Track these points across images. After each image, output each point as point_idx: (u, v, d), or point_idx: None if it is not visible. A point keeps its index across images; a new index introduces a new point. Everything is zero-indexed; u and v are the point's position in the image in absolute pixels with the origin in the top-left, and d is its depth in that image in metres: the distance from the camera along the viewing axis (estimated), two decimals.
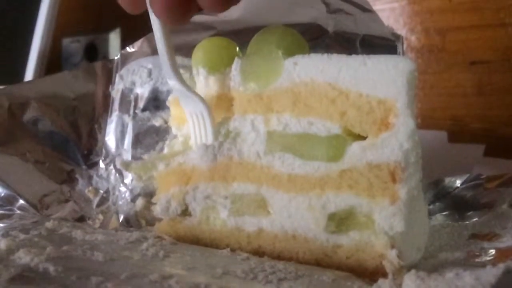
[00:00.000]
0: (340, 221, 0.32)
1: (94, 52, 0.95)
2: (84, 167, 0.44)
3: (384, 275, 0.30)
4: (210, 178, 0.36)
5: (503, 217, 0.38)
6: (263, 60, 0.35)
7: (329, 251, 0.32)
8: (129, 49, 0.47)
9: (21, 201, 0.41)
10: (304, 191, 0.33)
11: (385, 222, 0.31)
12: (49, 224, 0.35)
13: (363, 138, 0.32)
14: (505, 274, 0.23)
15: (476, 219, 0.40)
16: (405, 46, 0.58)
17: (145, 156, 0.42)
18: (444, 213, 0.43)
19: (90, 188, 0.43)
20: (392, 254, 0.30)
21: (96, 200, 0.43)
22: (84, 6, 0.95)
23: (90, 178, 0.44)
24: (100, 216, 0.42)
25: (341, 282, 0.30)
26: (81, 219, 0.41)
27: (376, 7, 0.70)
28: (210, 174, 0.36)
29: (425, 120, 0.66)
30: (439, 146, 0.60)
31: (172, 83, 0.36)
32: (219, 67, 0.37)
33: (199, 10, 0.32)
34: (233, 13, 0.42)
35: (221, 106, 0.37)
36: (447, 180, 0.45)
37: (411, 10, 0.68)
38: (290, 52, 0.34)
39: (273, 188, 0.34)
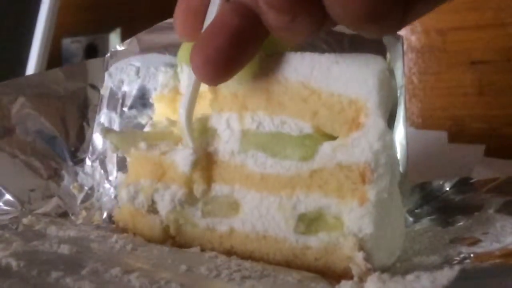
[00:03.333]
0: (310, 222, 0.32)
1: (94, 52, 0.95)
2: (70, 163, 0.45)
3: (353, 278, 0.30)
4: (184, 181, 0.35)
5: (487, 222, 0.37)
6: None
7: (298, 253, 0.32)
8: (118, 47, 0.47)
9: (7, 196, 0.42)
10: (275, 191, 0.33)
11: (354, 224, 0.30)
12: (25, 220, 0.36)
13: (335, 138, 0.31)
14: (459, 276, 0.22)
15: (461, 223, 0.39)
16: (405, 46, 0.57)
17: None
18: (431, 217, 0.42)
19: (75, 184, 0.43)
20: (359, 256, 0.29)
21: (80, 196, 0.43)
22: (84, 6, 0.96)
23: (76, 174, 0.44)
24: (84, 212, 0.42)
25: (306, 283, 0.29)
26: (65, 214, 0.42)
27: None
28: (186, 177, 0.35)
29: (425, 120, 0.66)
30: (440, 146, 0.59)
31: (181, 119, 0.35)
32: None
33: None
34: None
35: (202, 104, 0.37)
36: (436, 183, 0.44)
37: None
38: (265, 50, 0.34)
39: (246, 187, 0.34)
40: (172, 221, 0.36)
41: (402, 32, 0.65)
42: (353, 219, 0.30)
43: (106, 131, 0.37)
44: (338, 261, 0.31)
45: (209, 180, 0.35)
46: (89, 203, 0.43)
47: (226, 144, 0.35)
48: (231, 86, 0.35)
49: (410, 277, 0.26)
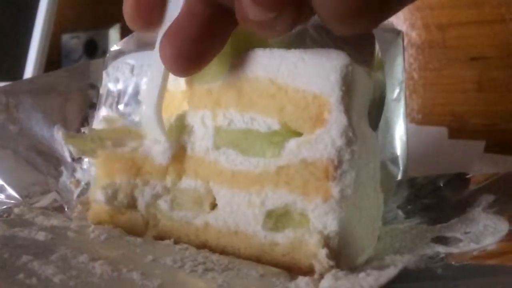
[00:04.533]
0: (278, 218, 0.32)
1: (94, 48, 0.96)
2: (69, 160, 0.47)
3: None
4: (162, 175, 0.36)
5: (472, 222, 0.36)
6: None
7: (267, 249, 0.32)
8: (116, 46, 0.48)
9: (9, 190, 0.44)
10: (245, 187, 0.33)
11: (318, 221, 0.30)
12: (17, 210, 0.38)
13: (301, 134, 0.31)
14: (399, 275, 0.22)
15: (447, 222, 0.38)
16: (405, 42, 0.56)
17: None
18: (422, 213, 0.41)
19: (73, 179, 0.45)
20: (322, 253, 0.29)
21: (77, 192, 0.45)
22: (83, 2, 0.98)
23: (74, 170, 0.46)
24: (79, 206, 0.43)
25: (268, 278, 0.29)
26: (61, 208, 0.43)
27: None
28: (163, 171, 0.36)
29: (425, 116, 0.65)
30: (439, 142, 0.58)
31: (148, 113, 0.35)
32: None
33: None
34: None
35: (184, 101, 0.38)
36: (430, 179, 0.43)
37: (412, 5, 0.65)
38: (241, 46, 0.34)
39: (219, 183, 0.34)
40: (151, 215, 0.37)
41: (403, 28, 0.65)
42: (318, 216, 0.30)
43: (66, 138, 0.37)
44: (304, 258, 0.31)
45: (184, 172, 0.35)
46: (84, 197, 0.44)
47: (201, 141, 0.35)
48: (206, 84, 0.35)
49: (362, 274, 0.26)
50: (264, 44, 0.35)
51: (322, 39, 0.43)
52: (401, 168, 0.45)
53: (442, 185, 0.43)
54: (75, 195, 0.45)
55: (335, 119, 0.30)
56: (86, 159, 0.46)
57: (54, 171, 0.46)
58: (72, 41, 0.98)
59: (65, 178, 0.46)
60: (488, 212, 0.37)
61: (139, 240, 0.34)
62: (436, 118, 0.65)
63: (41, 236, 0.32)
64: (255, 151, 0.33)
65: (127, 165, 0.37)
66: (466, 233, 0.34)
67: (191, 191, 0.35)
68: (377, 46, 0.43)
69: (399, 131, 0.46)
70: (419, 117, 0.65)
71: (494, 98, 0.61)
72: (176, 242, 0.35)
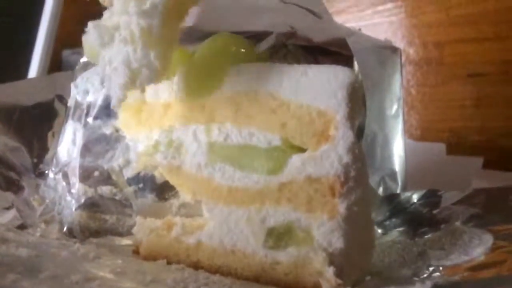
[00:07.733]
0: (279, 236, 0.31)
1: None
2: (32, 175, 0.43)
3: None
4: None
5: (455, 234, 0.37)
6: (206, 67, 0.34)
7: (267, 268, 0.31)
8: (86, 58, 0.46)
9: None
10: (243, 205, 0.32)
11: (323, 238, 0.29)
12: None
13: (303, 150, 0.31)
14: None
15: (429, 235, 0.39)
16: (403, 59, 0.56)
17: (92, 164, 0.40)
18: (399, 229, 0.42)
19: (35, 196, 0.42)
20: (329, 271, 0.29)
21: (40, 209, 0.41)
22: (83, 18, 0.94)
23: (37, 187, 0.42)
24: (42, 225, 0.40)
25: None
26: (22, 227, 0.40)
27: (374, 20, 0.70)
28: None
29: (423, 132, 0.65)
30: (438, 158, 0.59)
31: None
32: (168, 74, 0.36)
33: None
34: (187, 20, 0.41)
35: (167, 115, 0.36)
36: (404, 196, 0.44)
37: (409, 23, 0.67)
38: (234, 60, 0.34)
39: (213, 200, 0.33)
40: None
41: (400, 45, 0.65)
42: (323, 233, 0.29)
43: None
44: (308, 276, 0.30)
45: None
46: (49, 216, 0.41)
47: (193, 157, 0.34)
48: (199, 98, 0.34)
49: None
50: (251, 59, 0.34)
51: (302, 56, 0.43)
52: (399, 184, 0.45)
53: (416, 201, 0.44)
54: (38, 213, 0.41)
55: (342, 136, 0.29)
56: (51, 176, 0.43)
57: (14, 187, 0.42)
58: (73, 56, 0.92)
59: (26, 195, 0.42)
60: (468, 225, 0.38)
61: (131, 259, 0.32)
62: (434, 134, 0.66)
63: (23, 252, 0.29)
64: (254, 167, 0.32)
65: None
66: (452, 245, 0.35)
67: None
68: (356, 65, 0.43)
69: (398, 147, 0.46)
70: (417, 133, 0.66)
71: (492, 114, 0.62)
72: (169, 262, 0.33)
